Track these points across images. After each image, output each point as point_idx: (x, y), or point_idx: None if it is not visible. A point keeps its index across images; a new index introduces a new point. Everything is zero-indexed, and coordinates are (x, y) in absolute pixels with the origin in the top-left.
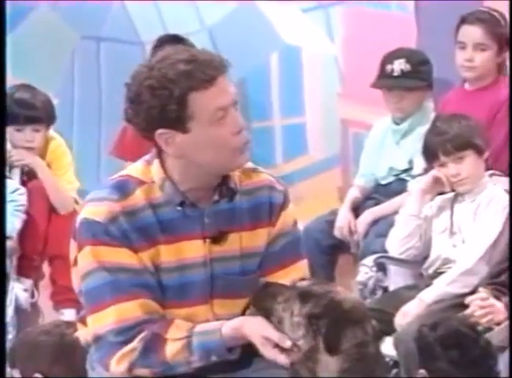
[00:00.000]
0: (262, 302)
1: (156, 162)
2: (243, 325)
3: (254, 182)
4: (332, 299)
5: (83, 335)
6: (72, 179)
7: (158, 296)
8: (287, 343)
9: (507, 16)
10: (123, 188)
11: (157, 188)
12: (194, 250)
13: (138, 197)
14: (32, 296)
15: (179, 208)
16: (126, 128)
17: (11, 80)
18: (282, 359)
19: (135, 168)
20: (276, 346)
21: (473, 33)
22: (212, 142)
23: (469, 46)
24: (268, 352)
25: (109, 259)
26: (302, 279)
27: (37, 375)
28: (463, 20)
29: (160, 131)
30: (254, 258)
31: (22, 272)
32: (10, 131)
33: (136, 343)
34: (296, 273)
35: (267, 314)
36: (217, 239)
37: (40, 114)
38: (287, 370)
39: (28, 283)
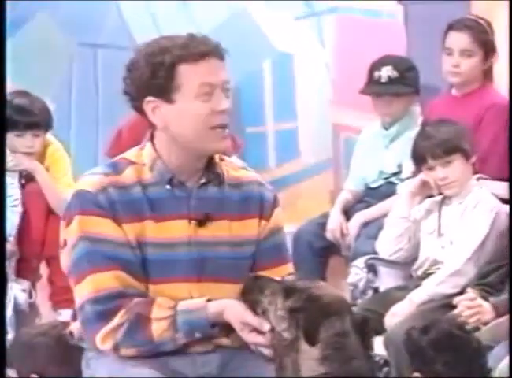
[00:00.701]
0: (250, 294)
1: (148, 144)
2: (224, 310)
3: (243, 177)
4: (311, 294)
5: (76, 329)
6: (70, 182)
7: (137, 271)
8: (266, 327)
9: (507, 16)
10: (115, 166)
11: (147, 170)
12: (179, 229)
13: (128, 175)
14: (30, 296)
15: (168, 186)
16: (121, 130)
17: (10, 86)
18: (261, 341)
19: (128, 153)
20: (255, 330)
21: (459, 39)
22: (194, 115)
23: (455, 52)
24: (247, 336)
25: (93, 229)
26: (289, 274)
27: (33, 375)
28: (450, 27)
29: (148, 98)
30: (245, 246)
31: (19, 273)
32: (10, 136)
33: (118, 321)
34: (286, 272)
35: (253, 306)
36: (203, 222)
37: (39, 120)
38: (274, 362)
39: (26, 284)
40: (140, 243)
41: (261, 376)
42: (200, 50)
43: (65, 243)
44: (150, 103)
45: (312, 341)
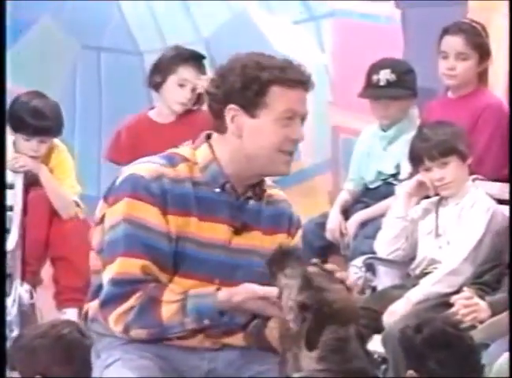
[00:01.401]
0: (273, 265)
1: (204, 145)
2: (233, 296)
3: (276, 195)
4: (324, 297)
5: (92, 308)
6: (73, 183)
7: (167, 262)
8: (274, 293)
9: (507, 16)
10: (170, 159)
11: (198, 169)
12: (219, 232)
13: (182, 170)
14: (31, 298)
15: (218, 190)
16: (120, 132)
17: (15, 90)
18: (275, 311)
19: (181, 150)
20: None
21: (454, 43)
22: (270, 136)
23: (451, 55)
24: (261, 308)
25: (138, 214)
26: (315, 264)
27: (37, 376)
28: (446, 31)
29: (232, 105)
30: None
31: (21, 276)
32: (17, 137)
33: (131, 303)
34: None
35: (271, 277)
36: (240, 230)
37: (50, 125)
38: (279, 359)
39: (27, 286)
40: (180, 237)
41: (265, 376)
42: (297, 77)
43: (101, 221)
44: (232, 110)
45: (311, 345)
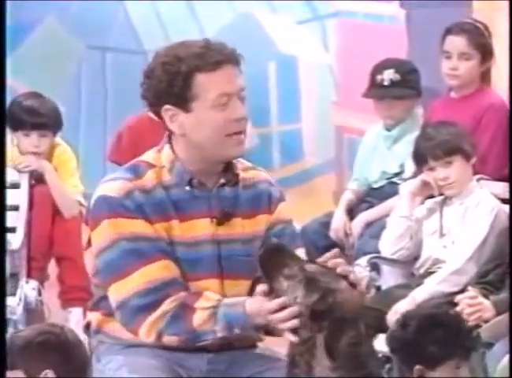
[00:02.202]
0: (267, 266)
1: (166, 147)
2: (259, 311)
3: (254, 177)
4: (336, 299)
5: (95, 319)
6: (76, 183)
7: (175, 263)
8: (283, 301)
9: (507, 16)
10: (135, 170)
11: (166, 172)
12: (202, 228)
13: (149, 178)
14: (39, 294)
15: (187, 187)
16: (121, 133)
17: (20, 90)
18: (289, 325)
19: (146, 155)
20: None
21: (457, 43)
22: (210, 124)
23: (454, 55)
24: (275, 322)
25: (128, 230)
26: (310, 261)
27: (47, 370)
28: (448, 31)
29: (166, 106)
30: (255, 242)
31: (28, 273)
32: (18, 136)
33: (163, 309)
34: None
35: (270, 282)
36: (222, 220)
37: (46, 121)
38: (287, 360)
39: (34, 283)
40: (170, 242)
41: (264, 376)
42: (215, 59)
43: (89, 244)
44: (167, 111)
45: (332, 352)
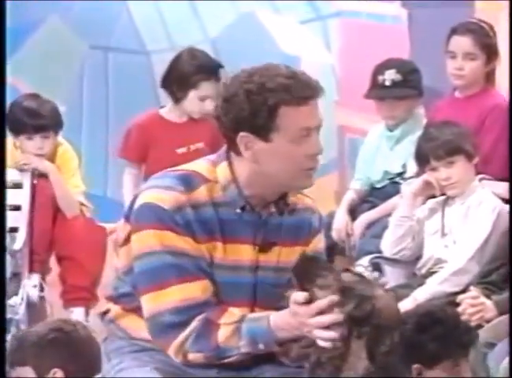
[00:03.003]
0: (301, 277)
1: (224, 164)
2: (284, 325)
3: (301, 204)
4: (374, 306)
5: (113, 310)
6: (78, 183)
7: (213, 287)
8: (325, 302)
9: (507, 16)
10: (188, 182)
11: (219, 188)
12: (245, 253)
13: (202, 193)
14: (42, 290)
15: (238, 210)
16: (131, 130)
17: (23, 89)
18: (327, 334)
19: (199, 166)
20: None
21: (462, 43)
22: (288, 157)
23: (458, 55)
24: (312, 333)
25: (174, 244)
26: (346, 269)
27: (55, 370)
28: (454, 31)
29: (243, 133)
30: (286, 273)
31: (29, 266)
32: (21, 140)
33: (191, 328)
34: None
35: (302, 291)
36: (265, 248)
37: (48, 122)
38: (310, 361)
39: (36, 277)
40: (210, 263)
41: (263, 376)
42: (304, 93)
43: (126, 242)
44: (244, 138)
45: (373, 358)
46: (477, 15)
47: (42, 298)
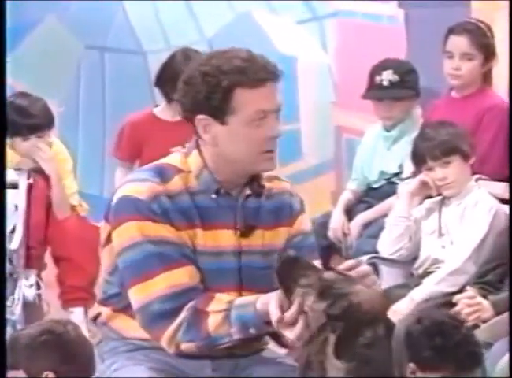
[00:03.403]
0: (284, 279)
1: (195, 152)
2: (269, 302)
3: (277, 187)
4: (351, 302)
5: (104, 313)
6: (70, 185)
7: (198, 269)
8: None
9: (507, 19)
10: (163, 173)
11: (193, 178)
12: (226, 238)
13: (177, 183)
14: (38, 287)
15: (214, 196)
16: (124, 129)
17: (19, 89)
18: (288, 336)
19: (172, 158)
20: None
21: (460, 43)
22: (245, 140)
23: (456, 55)
24: (279, 328)
25: (153, 233)
26: (330, 268)
27: (47, 373)
28: (451, 31)
29: (200, 116)
30: (274, 254)
31: (25, 262)
32: (17, 141)
33: (182, 317)
34: None
35: (287, 293)
36: (246, 232)
37: (40, 122)
38: (300, 360)
39: (33, 273)
40: (193, 250)
41: (268, 376)
42: (259, 75)
43: (107, 242)
44: (202, 121)
45: (340, 355)
46: (474, 15)
47: (39, 297)
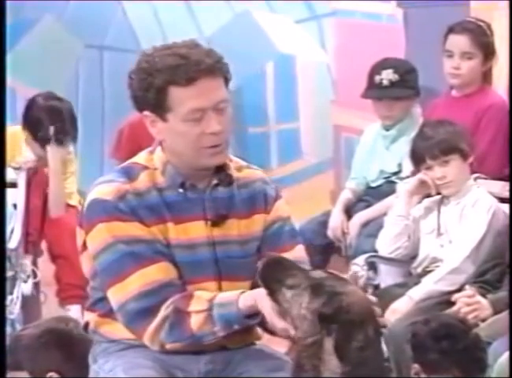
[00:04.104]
0: (269, 281)
1: (158, 149)
2: (256, 302)
3: (249, 176)
4: (342, 302)
5: (92, 320)
6: (69, 185)
7: (173, 265)
8: (281, 326)
9: (507, 16)
10: (129, 173)
11: (159, 174)
12: (198, 230)
13: (143, 180)
14: (35, 276)
15: (180, 190)
16: (123, 130)
17: (18, 88)
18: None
19: (139, 157)
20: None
21: (460, 42)
22: (184, 136)
23: (456, 54)
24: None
25: (124, 233)
26: (315, 268)
27: (51, 374)
28: (451, 30)
29: (145, 112)
30: (252, 243)
31: (24, 248)
32: (29, 140)
33: (162, 315)
34: (295, 255)
35: (273, 295)
36: (217, 222)
37: (71, 137)
38: (292, 363)
39: (27, 259)
40: (167, 245)
41: (275, 376)
42: (189, 74)
43: (85, 247)
44: (147, 117)
45: (342, 355)
46: (472, 14)
47: (36, 287)
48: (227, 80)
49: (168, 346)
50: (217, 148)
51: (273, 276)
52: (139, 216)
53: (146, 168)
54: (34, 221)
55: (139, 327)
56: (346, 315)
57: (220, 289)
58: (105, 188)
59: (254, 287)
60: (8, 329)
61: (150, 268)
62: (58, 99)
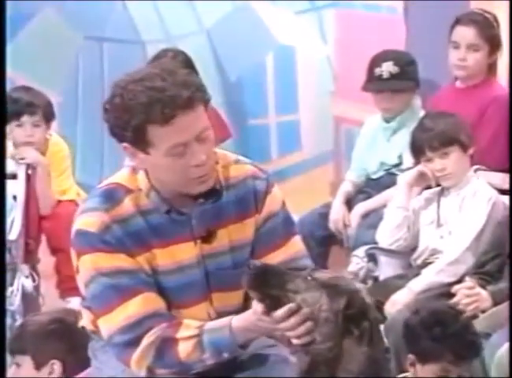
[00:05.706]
0: (266, 289)
1: (141, 172)
2: (250, 326)
3: (238, 175)
4: (363, 299)
5: (87, 323)
6: (62, 183)
7: (160, 296)
8: (285, 310)
9: (507, 16)
10: (112, 197)
11: (143, 196)
12: (186, 251)
13: (127, 205)
14: (34, 280)
15: (165, 214)
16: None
17: (18, 80)
18: (298, 332)
19: (121, 176)
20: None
21: (466, 34)
22: (169, 170)
23: (462, 46)
24: (267, 327)
25: (107, 265)
26: (312, 269)
27: (53, 361)
28: (457, 21)
29: (125, 144)
30: (244, 249)
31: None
32: (11, 127)
33: (145, 343)
34: (291, 249)
35: (274, 302)
36: (207, 238)
37: (37, 109)
38: (306, 361)
39: (26, 268)
40: (154, 271)
41: (281, 376)
42: (166, 113)
43: (78, 270)
44: (127, 149)
45: (370, 353)
46: (473, 5)
47: (36, 289)
48: (206, 103)
49: (158, 373)
50: (203, 177)
51: (269, 283)
52: (125, 245)
53: (129, 191)
54: (32, 229)
55: (126, 358)
56: (370, 312)
57: (211, 303)
58: (89, 218)
59: (246, 295)
60: (8, 320)
61: (133, 300)
62: (26, 90)
